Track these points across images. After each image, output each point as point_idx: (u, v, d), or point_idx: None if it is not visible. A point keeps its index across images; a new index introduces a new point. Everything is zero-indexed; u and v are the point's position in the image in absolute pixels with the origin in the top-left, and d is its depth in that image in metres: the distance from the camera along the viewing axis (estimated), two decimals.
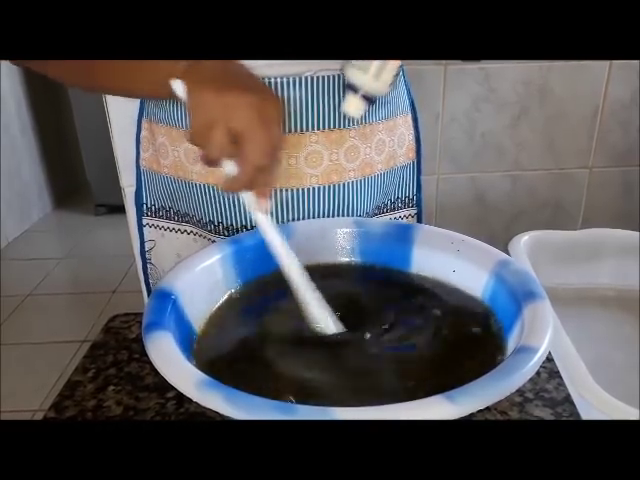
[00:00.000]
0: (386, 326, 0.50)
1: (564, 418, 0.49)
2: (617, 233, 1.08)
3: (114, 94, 0.70)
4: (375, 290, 0.56)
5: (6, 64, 2.69)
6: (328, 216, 0.66)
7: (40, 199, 3.01)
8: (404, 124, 0.72)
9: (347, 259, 0.60)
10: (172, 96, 0.49)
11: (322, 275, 0.58)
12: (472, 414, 0.35)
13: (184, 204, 0.69)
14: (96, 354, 0.59)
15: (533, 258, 0.97)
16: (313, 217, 0.65)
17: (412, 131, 0.74)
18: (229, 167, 0.48)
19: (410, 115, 0.74)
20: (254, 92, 0.47)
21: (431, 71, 1.21)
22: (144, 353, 0.41)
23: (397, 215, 0.75)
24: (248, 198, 0.50)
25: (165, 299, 0.47)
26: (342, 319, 0.51)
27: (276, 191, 0.63)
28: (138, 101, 0.75)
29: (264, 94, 0.48)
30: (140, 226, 0.76)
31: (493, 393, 0.36)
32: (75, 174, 3.20)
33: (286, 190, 0.63)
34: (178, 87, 0.47)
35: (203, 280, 0.52)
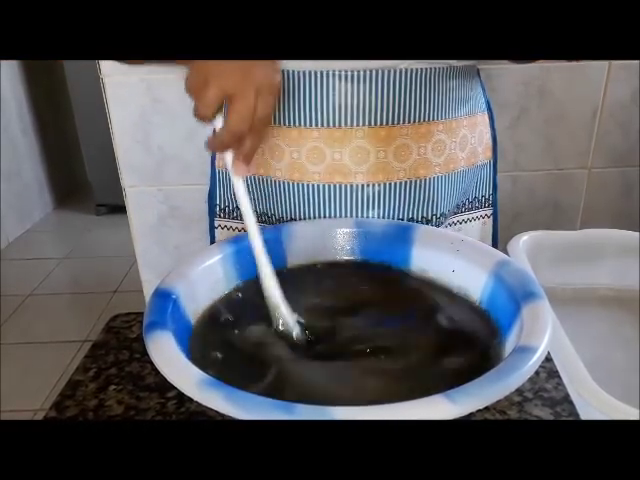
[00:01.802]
0: (386, 326, 0.50)
1: (563, 418, 0.49)
2: (617, 233, 1.08)
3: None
4: (375, 290, 0.56)
5: (6, 64, 2.69)
6: (415, 212, 0.65)
7: (41, 199, 3.01)
8: (482, 122, 0.72)
9: (347, 259, 0.60)
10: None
11: (322, 275, 0.58)
12: (471, 414, 0.35)
13: (262, 203, 0.68)
14: (97, 354, 0.59)
15: (532, 258, 0.97)
16: (398, 213, 0.65)
17: (489, 130, 0.74)
18: (218, 126, 0.50)
19: (487, 114, 0.73)
20: (256, 62, 0.48)
21: None
22: (145, 353, 0.41)
23: (474, 215, 0.74)
24: (227, 160, 0.51)
25: (166, 299, 0.47)
26: (342, 319, 0.51)
27: (363, 186, 0.63)
28: (140, 101, 0.75)
29: (265, 66, 0.49)
30: (212, 228, 0.74)
31: (492, 393, 0.36)
32: (76, 174, 3.20)
33: (373, 185, 0.63)
34: None
35: (204, 280, 0.52)
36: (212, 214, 0.74)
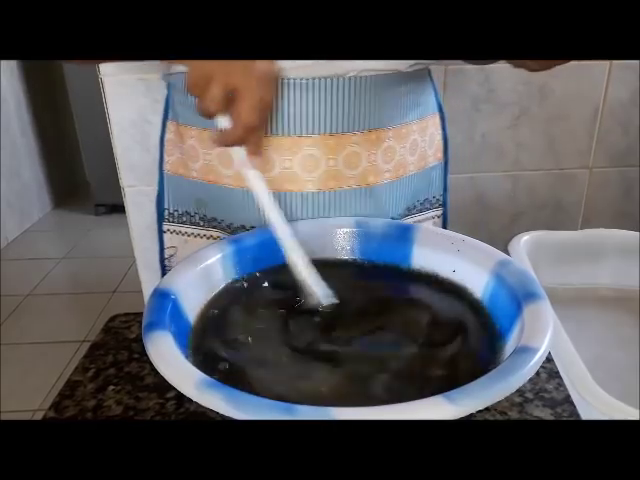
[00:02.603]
0: (385, 326, 0.50)
1: (564, 418, 0.49)
2: (617, 233, 1.07)
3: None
4: (375, 290, 0.56)
5: (5, 64, 2.69)
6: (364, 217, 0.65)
7: (40, 199, 3.02)
8: (433, 124, 0.72)
9: (347, 259, 0.60)
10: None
11: (322, 275, 0.58)
12: (472, 414, 0.35)
13: (212, 209, 0.68)
14: (96, 354, 0.59)
15: (533, 258, 0.97)
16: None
17: (440, 131, 0.74)
18: (223, 121, 0.50)
19: (438, 115, 0.73)
20: None
21: (431, 71, 1.21)
22: (144, 353, 0.41)
23: (425, 216, 0.75)
24: (238, 154, 0.51)
25: (165, 299, 0.47)
26: (342, 318, 0.51)
27: (314, 193, 0.63)
28: (139, 101, 0.74)
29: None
30: (160, 232, 0.74)
31: (493, 393, 0.36)
32: (75, 174, 3.20)
33: (324, 193, 0.63)
34: None
35: (203, 279, 0.52)
36: (161, 219, 0.73)
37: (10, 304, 2.16)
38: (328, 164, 0.62)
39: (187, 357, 0.41)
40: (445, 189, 0.76)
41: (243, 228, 0.66)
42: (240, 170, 0.53)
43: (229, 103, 0.49)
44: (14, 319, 2.09)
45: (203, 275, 0.52)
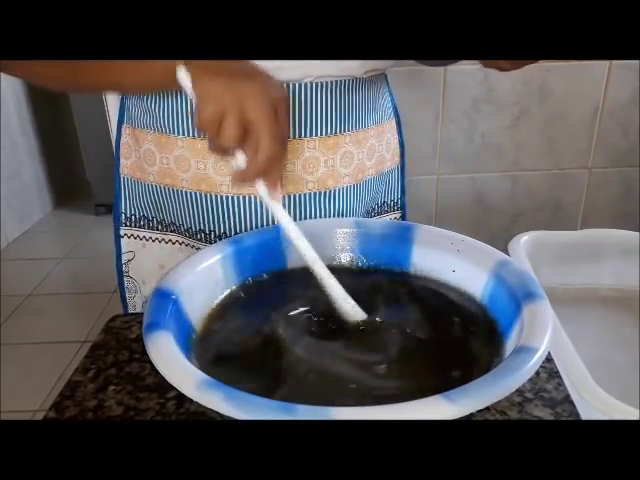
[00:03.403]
0: (385, 326, 0.50)
1: (564, 418, 0.49)
2: (617, 233, 1.08)
3: (105, 90, 0.67)
4: (375, 290, 0.56)
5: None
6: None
7: (40, 199, 3.02)
8: (390, 129, 0.73)
9: (347, 259, 0.60)
10: (172, 86, 0.48)
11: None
12: (472, 414, 0.35)
13: (170, 213, 0.68)
14: (96, 354, 0.59)
15: (533, 258, 0.97)
16: None
17: (397, 136, 0.75)
18: (240, 157, 0.48)
19: (394, 120, 0.75)
20: (263, 80, 0.47)
21: (431, 71, 1.21)
22: (144, 353, 0.41)
23: (383, 219, 0.76)
24: (261, 188, 0.49)
25: (166, 299, 0.47)
26: (341, 319, 0.51)
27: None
28: None
29: (271, 82, 0.48)
30: (117, 237, 0.73)
31: (492, 393, 0.36)
32: (75, 174, 3.20)
33: (283, 197, 0.63)
34: (182, 75, 0.46)
35: (204, 280, 0.52)
36: (117, 223, 0.72)
37: (10, 304, 2.16)
38: (287, 169, 0.62)
39: (187, 357, 0.41)
40: (403, 192, 0.78)
41: (201, 232, 0.66)
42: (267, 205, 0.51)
43: (245, 138, 0.47)
44: (14, 319, 2.09)
45: (203, 275, 0.52)
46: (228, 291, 0.54)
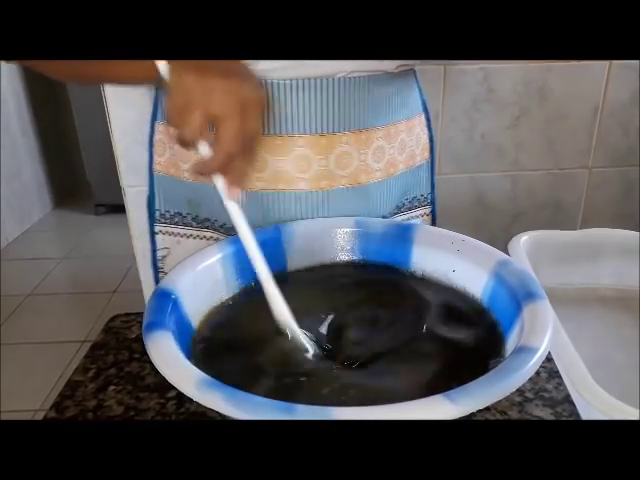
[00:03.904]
0: (385, 325, 0.50)
1: (564, 418, 0.49)
2: (617, 233, 1.07)
3: (105, 83, 0.67)
4: (375, 290, 0.56)
5: (5, 64, 2.69)
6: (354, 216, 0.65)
7: (40, 199, 3.02)
8: (419, 124, 0.73)
9: (347, 259, 0.60)
10: (157, 81, 0.48)
11: (322, 275, 0.58)
12: (472, 414, 0.35)
13: (205, 209, 0.68)
14: (96, 354, 0.59)
15: (533, 258, 0.97)
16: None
17: (426, 131, 0.75)
18: (204, 150, 0.48)
19: (424, 115, 0.75)
20: (237, 78, 0.47)
21: (431, 71, 1.21)
22: (144, 353, 0.41)
23: (413, 214, 0.76)
24: (219, 184, 0.49)
25: (166, 299, 0.47)
26: (342, 318, 0.51)
27: (307, 192, 0.63)
28: (139, 100, 0.74)
29: (247, 81, 0.48)
30: (152, 234, 0.73)
31: (493, 393, 0.36)
32: (75, 174, 3.20)
33: (317, 191, 0.63)
34: (162, 67, 0.47)
35: (204, 280, 0.52)
36: (152, 220, 0.73)
37: (10, 304, 2.16)
38: (320, 164, 0.62)
39: (187, 357, 0.41)
40: (432, 187, 0.77)
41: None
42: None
43: (210, 132, 0.47)
44: (14, 319, 2.09)
45: (204, 275, 0.52)
46: (228, 291, 0.54)
